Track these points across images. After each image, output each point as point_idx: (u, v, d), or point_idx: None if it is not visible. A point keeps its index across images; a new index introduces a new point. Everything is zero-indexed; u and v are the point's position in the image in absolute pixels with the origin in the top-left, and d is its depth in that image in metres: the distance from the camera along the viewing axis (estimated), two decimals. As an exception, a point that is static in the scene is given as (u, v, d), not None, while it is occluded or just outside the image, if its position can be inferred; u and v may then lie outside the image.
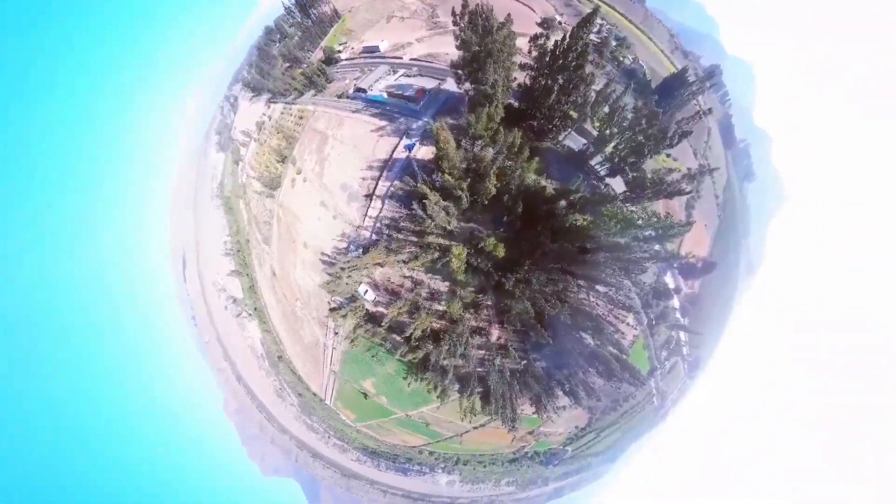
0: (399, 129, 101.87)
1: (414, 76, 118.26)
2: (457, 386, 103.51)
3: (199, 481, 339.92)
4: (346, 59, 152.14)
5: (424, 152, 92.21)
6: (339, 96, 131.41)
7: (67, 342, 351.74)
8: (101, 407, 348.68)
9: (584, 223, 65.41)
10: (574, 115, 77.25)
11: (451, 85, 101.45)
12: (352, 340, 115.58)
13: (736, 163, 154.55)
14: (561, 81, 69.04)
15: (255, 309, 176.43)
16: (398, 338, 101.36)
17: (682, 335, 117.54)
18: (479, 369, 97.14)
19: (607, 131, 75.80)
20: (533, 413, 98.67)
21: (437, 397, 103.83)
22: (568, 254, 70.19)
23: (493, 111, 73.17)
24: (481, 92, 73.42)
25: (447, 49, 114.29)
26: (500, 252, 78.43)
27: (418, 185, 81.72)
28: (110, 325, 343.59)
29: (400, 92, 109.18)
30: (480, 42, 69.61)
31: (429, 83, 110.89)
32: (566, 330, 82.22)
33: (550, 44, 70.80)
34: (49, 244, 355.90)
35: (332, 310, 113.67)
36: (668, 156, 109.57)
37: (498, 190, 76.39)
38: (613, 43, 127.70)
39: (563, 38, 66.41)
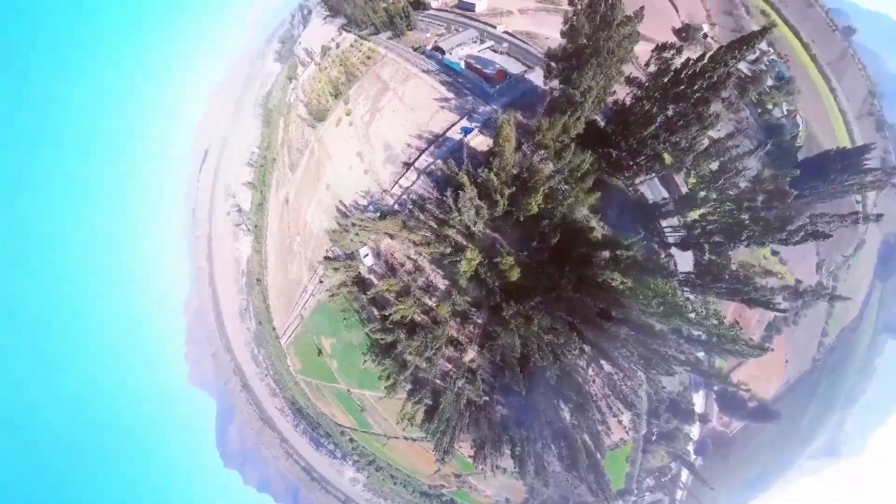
0: (463, 107, 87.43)
1: (501, 53, 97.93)
2: (408, 387, 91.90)
3: (126, 357, 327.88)
4: (435, 9, 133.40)
5: (480, 142, 79.24)
6: (416, 49, 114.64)
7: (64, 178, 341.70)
8: (69, 256, 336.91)
9: (620, 286, 52.32)
10: (668, 159, 58.85)
11: (537, 77, 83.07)
12: (332, 295, 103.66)
13: (883, 305, 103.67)
14: (670, 113, 51.37)
15: (256, 226, 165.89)
16: (376, 312, 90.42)
17: (685, 475, 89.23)
18: (438, 382, 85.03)
19: (702, 193, 57.48)
20: (469, 457, 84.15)
21: (385, 388, 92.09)
22: (585, 311, 57.61)
23: (571, 122, 59.12)
24: (568, 96, 58.97)
25: (550, 32, 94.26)
26: (514, 275, 66.37)
27: (460, 172, 69.80)
28: (112, 186, 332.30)
29: (479, 66, 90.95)
30: (592, 35, 54.55)
31: (514, 67, 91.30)
32: (546, 390, 68.24)
33: (679, 61, 52.72)
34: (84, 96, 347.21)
35: (327, 258, 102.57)
36: (775, 254, 79.93)
37: (540, 211, 63.97)
38: (770, 82, 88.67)
39: (701, 58, 48.80)
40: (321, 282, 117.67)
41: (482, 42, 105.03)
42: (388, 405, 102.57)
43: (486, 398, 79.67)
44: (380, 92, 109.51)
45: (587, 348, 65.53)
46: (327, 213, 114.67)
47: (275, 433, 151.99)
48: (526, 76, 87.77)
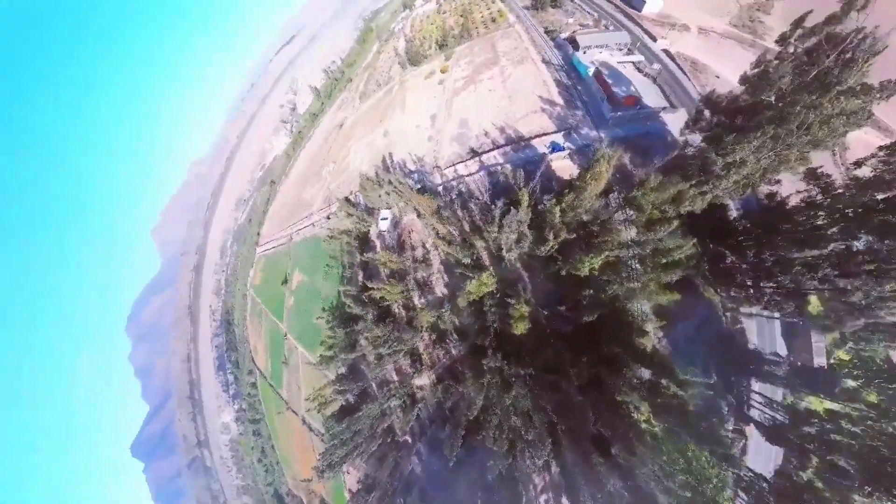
0: (566, 120, 71.57)
1: (645, 75, 74.10)
2: (342, 370, 79.05)
3: (113, 176, 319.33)
4: None
5: (564, 166, 64.14)
6: (547, 31, 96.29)
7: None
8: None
9: (643, 424, 37.52)
10: (816, 308, 38.60)
11: (675, 121, 62.62)
12: (331, 236, 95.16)
13: None
14: (859, 246, 32.19)
15: (300, 133, 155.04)
16: (360, 278, 79.65)
17: None
18: (373, 387, 71.04)
19: (851, 383, 37.43)
20: (350, 491, 69.79)
21: (321, 356, 79.71)
22: (580, 424, 43.14)
23: (689, 195, 43.44)
24: (704, 161, 42.50)
25: (725, 70, 71.59)
26: (520, 328, 51.88)
27: (524, 189, 55.69)
28: (189, 24, 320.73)
29: (610, 81, 71.57)
30: (789, 94, 37.35)
31: (653, 97, 68.22)
32: (477, 480, 52.60)
33: (918, 179, 32.00)
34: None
35: (347, 199, 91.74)
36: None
37: (589, 276, 49.64)
38: None
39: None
40: (328, 218, 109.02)
41: (629, 53, 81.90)
42: (311, 375, 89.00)
43: (409, 440, 64.67)
44: (486, 63, 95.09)
45: (555, 468, 49.08)
46: (371, 158, 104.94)
47: (191, 329, 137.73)
48: (662, 114, 66.63)
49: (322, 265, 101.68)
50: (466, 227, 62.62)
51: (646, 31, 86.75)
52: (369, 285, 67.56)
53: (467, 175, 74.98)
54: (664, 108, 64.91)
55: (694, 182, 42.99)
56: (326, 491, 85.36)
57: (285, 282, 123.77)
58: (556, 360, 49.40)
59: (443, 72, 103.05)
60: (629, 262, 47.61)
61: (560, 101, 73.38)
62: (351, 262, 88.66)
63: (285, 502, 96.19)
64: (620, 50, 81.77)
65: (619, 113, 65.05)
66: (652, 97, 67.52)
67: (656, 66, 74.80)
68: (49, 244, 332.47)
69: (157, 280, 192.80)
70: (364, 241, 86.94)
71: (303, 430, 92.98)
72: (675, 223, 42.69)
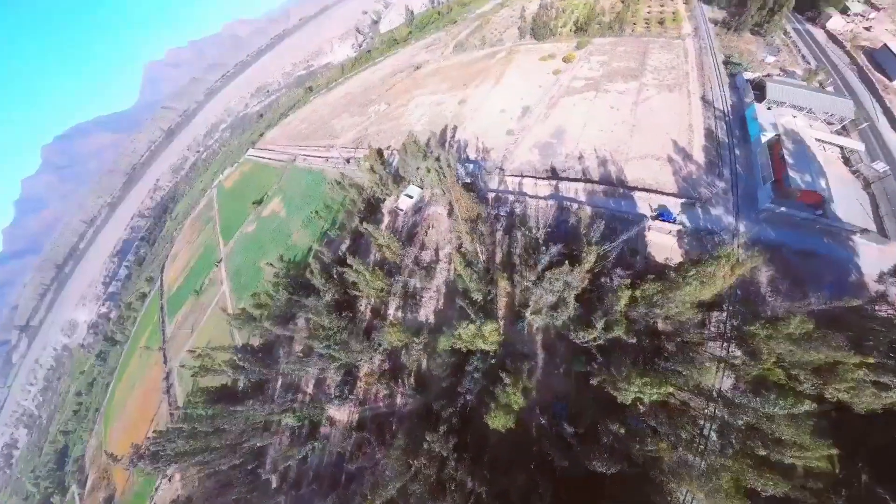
0: (695, 187, 57.29)
1: (854, 170, 57.06)
2: (258, 341, 71.14)
3: None
4: (827, 31, 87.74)
5: (665, 243, 50.71)
6: (727, 62, 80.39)
7: None
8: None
9: None
10: None
11: (874, 256, 45.92)
12: (339, 182, 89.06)
13: None
14: None
15: (369, 52, 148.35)
16: (344, 247, 74.05)
17: None
18: (277, 387, 60.41)
19: None
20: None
21: (241, 310, 71.69)
22: None
23: (853, 376, 30.41)
24: None
25: None
26: (498, 420, 40.24)
27: (593, 247, 44.60)
28: None
29: (789, 160, 55.15)
30: None
31: (850, 206, 51.14)
32: None
33: None
34: None
35: (379, 152, 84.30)
36: None
37: (632, 405, 37.81)
38: None
39: None
40: (348, 161, 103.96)
41: (841, 132, 63.40)
42: (215, 326, 78.65)
43: (274, 483, 52.44)
44: (624, 72, 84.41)
45: None
46: (431, 121, 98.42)
47: (119, 192, 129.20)
48: (859, 238, 48.39)
49: (310, 208, 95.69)
50: (498, 257, 53.38)
51: (886, 111, 66.50)
52: (349, 261, 59.20)
53: (531, 196, 65.62)
54: (864, 231, 48.20)
55: (872, 362, 30.46)
56: (125, 488, 70.49)
57: (259, 203, 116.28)
58: (526, 500, 37.43)
59: (565, 60, 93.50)
60: (702, 423, 35.82)
61: (700, 157, 60.69)
62: (344, 224, 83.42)
63: (65, 470, 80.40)
64: (829, 123, 65.21)
65: (781, 208, 50.07)
66: (850, 206, 51.35)
67: (881, 165, 56.57)
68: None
69: (119, 118, 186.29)
70: (372, 209, 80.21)
71: (157, 389, 79.90)
72: (808, 406, 29.98)
